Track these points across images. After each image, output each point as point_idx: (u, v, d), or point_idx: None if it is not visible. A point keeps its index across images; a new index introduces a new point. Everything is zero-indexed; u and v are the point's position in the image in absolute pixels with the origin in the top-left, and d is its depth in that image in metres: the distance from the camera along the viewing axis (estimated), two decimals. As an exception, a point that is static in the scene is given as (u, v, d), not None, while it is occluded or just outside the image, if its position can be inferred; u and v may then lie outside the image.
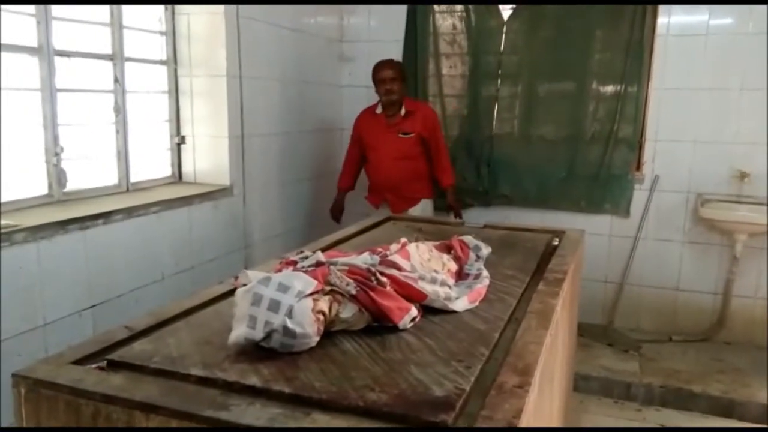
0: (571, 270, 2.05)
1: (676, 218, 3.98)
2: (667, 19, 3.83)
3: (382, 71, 3.70)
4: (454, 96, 4.36)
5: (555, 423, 1.88)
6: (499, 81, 4.23)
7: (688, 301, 4.01)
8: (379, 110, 3.81)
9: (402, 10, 4.29)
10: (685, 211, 3.96)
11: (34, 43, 2.50)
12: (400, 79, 3.71)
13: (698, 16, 3.77)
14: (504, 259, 2.09)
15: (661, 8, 3.83)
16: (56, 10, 2.56)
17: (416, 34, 4.27)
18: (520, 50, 4.15)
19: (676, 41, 3.83)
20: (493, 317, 1.53)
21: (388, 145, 3.75)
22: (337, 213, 3.98)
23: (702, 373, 3.48)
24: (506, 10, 4.14)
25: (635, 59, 3.88)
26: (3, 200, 2.40)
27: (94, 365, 1.21)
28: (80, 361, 1.22)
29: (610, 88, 4.00)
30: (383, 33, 4.38)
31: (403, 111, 3.75)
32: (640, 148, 4.01)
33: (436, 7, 4.28)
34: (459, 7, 4.24)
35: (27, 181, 2.54)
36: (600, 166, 4.02)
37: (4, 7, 2.37)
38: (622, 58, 3.91)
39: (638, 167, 4.03)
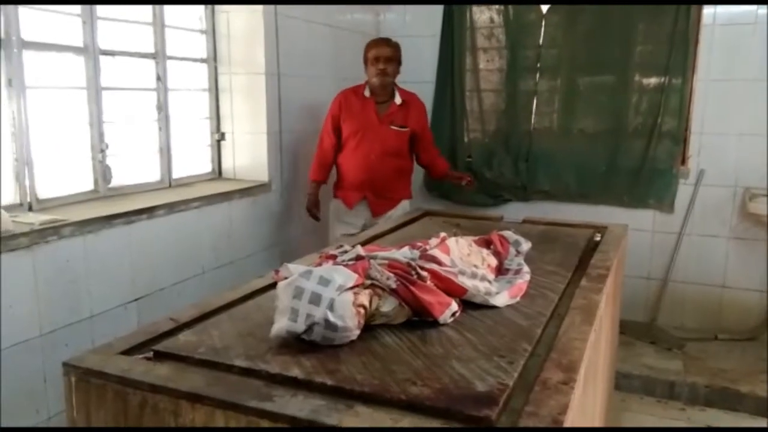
0: (615, 266, 2.01)
1: (722, 213, 3.86)
2: (714, 8, 3.71)
3: (378, 47, 3.29)
4: (492, 90, 4.31)
5: (597, 421, 1.84)
6: (537, 75, 4.16)
7: (734, 298, 3.89)
8: (367, 93, 3.34)
9: (438, 5, 4.26)
10: (732, 206, 3.84)
11: (80, 43, 2.57)
12: (397, 61, 3.33)
13: (746, 4, 3.65)
14: (544, 255, 2.06)
15: (707, -3, 3.72)
16: (101, 10, 2.62)
17: (453, 29, 4.24)
18: (559, 43, 4.07)
19: (722, 30, 3.71)
20: (534, 313, 1.51)
21: (377, 137, 3.29)
22: (313, 209, 3.45)
23: (749, 372, 3.37)
24: (545, 4, 4.07)
25: (679, 50, 3.78)
26: (51, 195, 2.48)
27: (141, 356, 1.24)
28: (128, 352, 1.25)
29: (653, 81, 3.90)
30: (419, 28, 4.36)
31: (398, 99, 3.35)
32: (685, 141, 3.90)
33: (473, 1, 4.24)
34: (496, 1, 4.19)
35: (74, 177, 2.61)
36: (643, 160, 3.93)
37: (52, 7, 2.44)
38: (665, 49, 3.81)
39: (683, 161, 3.92)
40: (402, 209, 3.41)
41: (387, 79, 3.28)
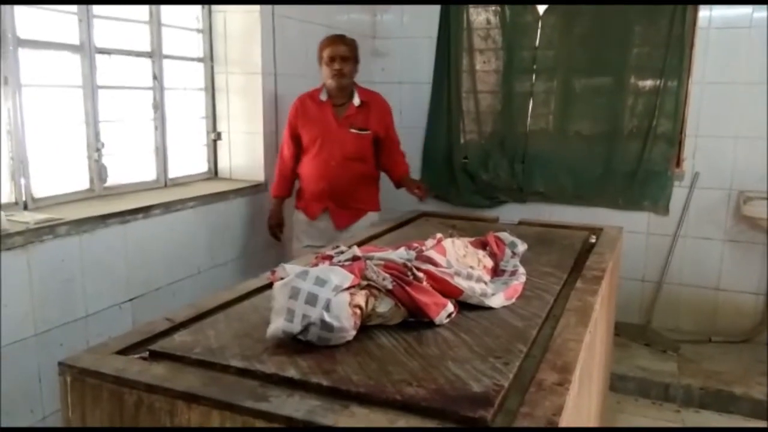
0: (610, 268, 2.02)
1: (716, 216, 3.88)
2: (709, 12, 3.73)
3: (333, 46, 3.01)
4: (488, 92, 4.32)
5: (593, 422, 1.85)
6: (534, 76, 4.17)
7: (728, 300, 3.91)
8: (323, 97, 3.09)
9: (435, 5, 4.27)
10: (727, 208, 3.85)
11: (76, 41, 2.56)
12: (354, 59, 3.06)
13: (741, 8, 3.66)
14: (540, 256, 2.07)
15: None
16: (97, 8, 2.61)
17: (450, 30, 4.24)
18: (555, 45, 4.08)
19: (718, 34, 3.72)
20: (530, 314, 1.51)
21: (336, 142, 3.05)
22: (275, 227, 3.24)
23: (743, 375, 3.39)
24: (541, 5, 4.08)
25: (675, 53, 3.79)
26: (47, 194, 2.47)
27: (136, 355, 1.24)
28: (123, 351, 1.25)
29: (648, 83, 3.91)
30: (416, 29, 4.37)
31: (356, 100, 3.09)
32: (680, 144, 3.92)
33: (470, 2, 4.25)
34: (493, 2, 4.20)
35: (69, 176, 2.61)
36: (638, 163, 3.94)
37: (49, 6, 2.43)
38: (661, 52, 3.82)
39: (678, 164, 3.93)
40: (368, 221, 3.13)
41: (344, 80, 3.01)
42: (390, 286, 1.37)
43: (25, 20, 2.33)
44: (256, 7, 3.24)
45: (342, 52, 2.99)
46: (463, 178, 4.33)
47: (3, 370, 2.07)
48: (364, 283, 1.35)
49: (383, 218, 3.12)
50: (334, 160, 3.05)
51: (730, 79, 3.72)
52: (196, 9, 3.27)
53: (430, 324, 1.40)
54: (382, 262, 1.47)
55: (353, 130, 3.07)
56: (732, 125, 3.76)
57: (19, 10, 2.29)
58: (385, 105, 3.23)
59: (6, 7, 2.24)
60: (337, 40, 3.03)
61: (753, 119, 3.70)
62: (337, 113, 3.08)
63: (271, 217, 3.24)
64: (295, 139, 3.14)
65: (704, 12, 3.74)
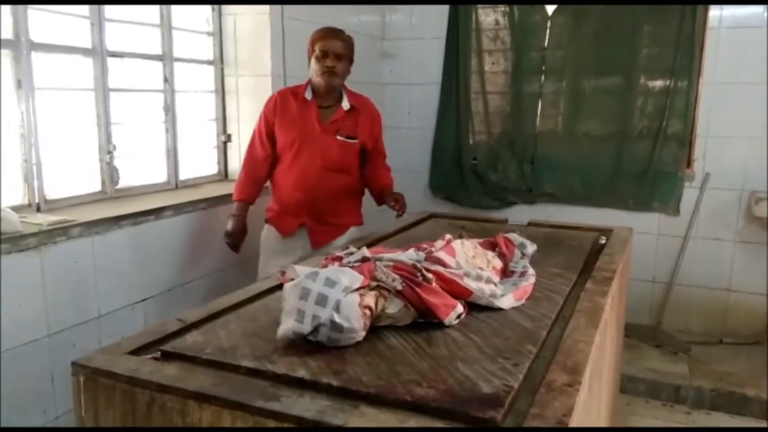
0: (620, 269, 2.01)
1: (727, 217, 3.86)
2: (720, 11, 3.71)
3: (327, 40, 2.62)
4: (497, 93, 4.32)
5: (602, 423, 1.84)
6: (542, 77, 4.16)
7: (740, 302, 3.88)
8: (308, 95, 2.69)
9: (444, 6, 4.27)
10: (738, 209, 3.83)
11: (89, 45, 2.59)
12: (349, 58, 2.70)
13: (752, 7, 3.64)
14: (549, 257, 2.06)
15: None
16: (109, 12, 2.64)
17: (458, 31, 4.24)
18: (564, 46, 4.07)
19: (728, 34, 3.70)
20: (539, 315, 1.51)
21: (317, 149, 2.65)
22: (237, 236, 2.73)
23: (754, 376, 3.36)
24: (550, 5, 4.07)
25: (685, 53, 3.77)
26: (59, 196, 2.50)
27: (148, 356, 1.25)
28: (136, 352, 1.26)
29: (658, 83, 3.90)
30: (425, 30, 4.37)
31: (345, 104, 2.71)
32: (691, 144, 3.90)
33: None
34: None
35: (81, 178, 2.63)
36: (648, 163, 3.92)
37: (60, 9, 2.46)
38: (671, 52, 3.80)
39: (688, 164, 3.91)
40: (348, 237, 2.77)
41: (335, 79, 2.63)
42: (399, 287, 1.38)
43: (38, 24, 2.35)
44: (266, 9, 3.25)
45: (337, 48, 2.61)
46: (472, 179, 4.33)
47: (16, 370, 2.09)
48: (374, 284, 1.36)
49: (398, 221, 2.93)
50: (313, 170, 2.65)
51: (740, 80, 3.70)
52: (207, 12, 3.29)
53: (440, 325, 1.40)
54: (392, 263, 1.48)
55: (340, 138, 2.68)
56: (743, 126, 3.74)
57: (32, 14, 2.31)
58: (376, 113, 2.88)
59: (20, 12, 2.26)
60: (332, 33, 2.65)
61: (764, 120, 3.68)
62: (321, 116, 2.68)
63: (234, 223, 2.71)
64: (270, 137, 2.72)
65: (715, 11, 3.72)
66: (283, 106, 2.70)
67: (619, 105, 3.98)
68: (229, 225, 2.73)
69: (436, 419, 1.02)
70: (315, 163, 2.65)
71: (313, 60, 2.64)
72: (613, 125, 4.01)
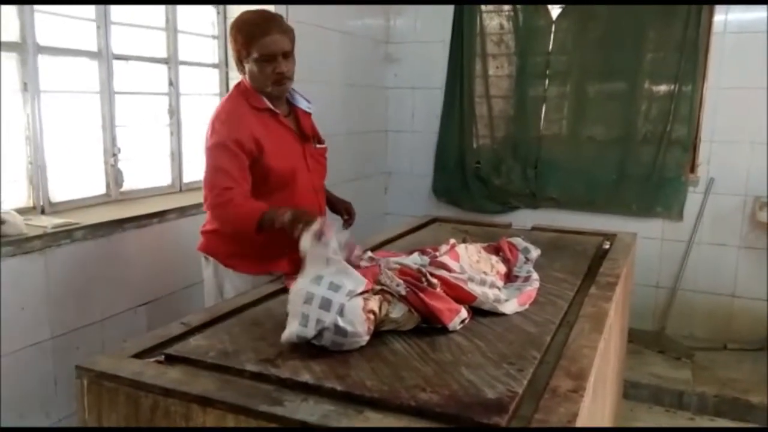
0: (624, 274, 2.01)
1: (732, 222, 3.84)
2: (725, 16, 3.70)
3: (268, 37, 1.97)
4: (501, 97, 4.32)
5: (606, 429, 1.84)
6: (547, 81, 4.16)
7: (744, 308, 3.87)
8: (269, 104, 2.06)
9: (448, 10, 4.27)
10: (742, 214, 3.82)
11: (94, 48, 2.60)
12: (292, 50, 2.10)
13: (757, 12, 3.64)
14: (553, 262, 2.06)
15: (718, 6, 3.71)
16: (115, 15, 2.65)
17: (463, 35, 4.24)
18: (569, 50, 4.08)
19: (733, 39, 3.70)
20: (543, 320, 1.51)
21: (305, 170, 2.11)
22: (303, 216, 1.74)
23: (758, 382, 3.35)
24: (555, 9, 4.08)
25: (690, 58, 3.77)
26: (64, 199, 2.50)
27: (152, 359, 1.25)
28: (139, 355, 1.26)
29: (663, 88, 3.89)
30: (429, 34, 4.37)
31: (303, 104, 2.20)
32: (695, 149, 3.89)
33: (483, 7, 4.24)
34: (506, 7, 4.19)
35: (86, 181, 2.63)
36: (652, 168, 3.92)
37: (66, 12, 2.47)
38: (675, 57, 3.80)
39: (692, 169, 3.91)
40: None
41: (289, 84, 2.10)
42: (403, 292, 1.38)
43: (44, 27, 2.36)
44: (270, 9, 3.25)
45: (284, 45, 2.01)
46: (476, 184, 4.32)
47: (20, 372, 2.09)
48: (378, 288, 1.36)
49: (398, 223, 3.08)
50: (307, 199, 2.08)
51: (745, 84, 3.69)
52: (212, 15, 3.29)
53: (444, 330, 1.40)
54: (397, 267, 1.48)
55: (319, 146, 2.21)
56: (747, 130, 3.73)
57: (38, 17, 2.32)
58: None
59: (26, 15, 2.27)
60: (271, 28, 1.99)
61: (769, 125, 3.67)
62: (288, 125, 2.12)
63: (300, 212, 1.78)
64: (251, 164, 1.96)
65: (719, 16, 3.72)
66: (261, 126, 2.01)
67: (623, 109, 3.97)
68: (288, 214, 1.78)
69: (440, 424, 1.02)
70: (308, 184, 2.12)
71: (252, 64, 2.01)
72: (617, 130, 4.01)
